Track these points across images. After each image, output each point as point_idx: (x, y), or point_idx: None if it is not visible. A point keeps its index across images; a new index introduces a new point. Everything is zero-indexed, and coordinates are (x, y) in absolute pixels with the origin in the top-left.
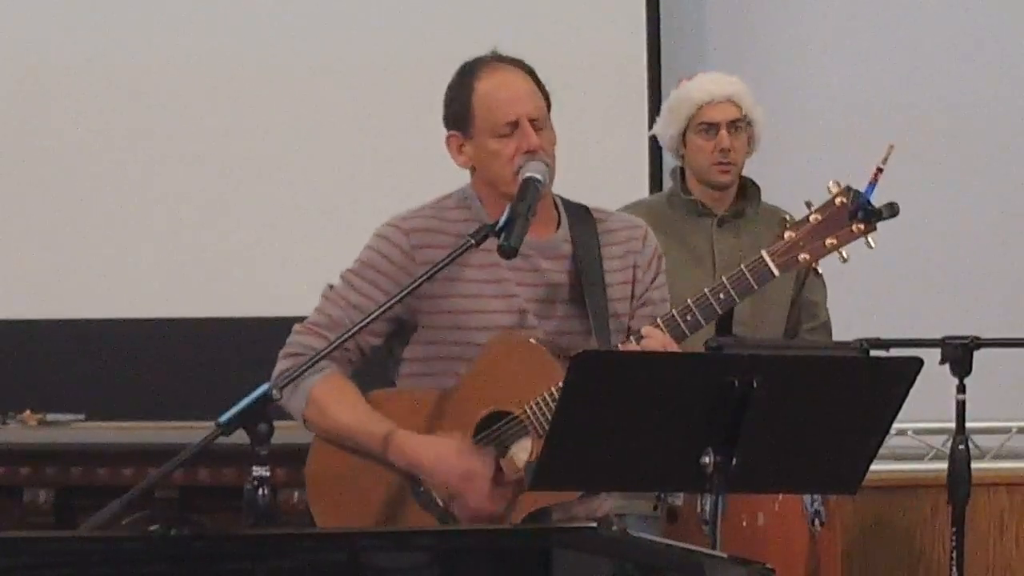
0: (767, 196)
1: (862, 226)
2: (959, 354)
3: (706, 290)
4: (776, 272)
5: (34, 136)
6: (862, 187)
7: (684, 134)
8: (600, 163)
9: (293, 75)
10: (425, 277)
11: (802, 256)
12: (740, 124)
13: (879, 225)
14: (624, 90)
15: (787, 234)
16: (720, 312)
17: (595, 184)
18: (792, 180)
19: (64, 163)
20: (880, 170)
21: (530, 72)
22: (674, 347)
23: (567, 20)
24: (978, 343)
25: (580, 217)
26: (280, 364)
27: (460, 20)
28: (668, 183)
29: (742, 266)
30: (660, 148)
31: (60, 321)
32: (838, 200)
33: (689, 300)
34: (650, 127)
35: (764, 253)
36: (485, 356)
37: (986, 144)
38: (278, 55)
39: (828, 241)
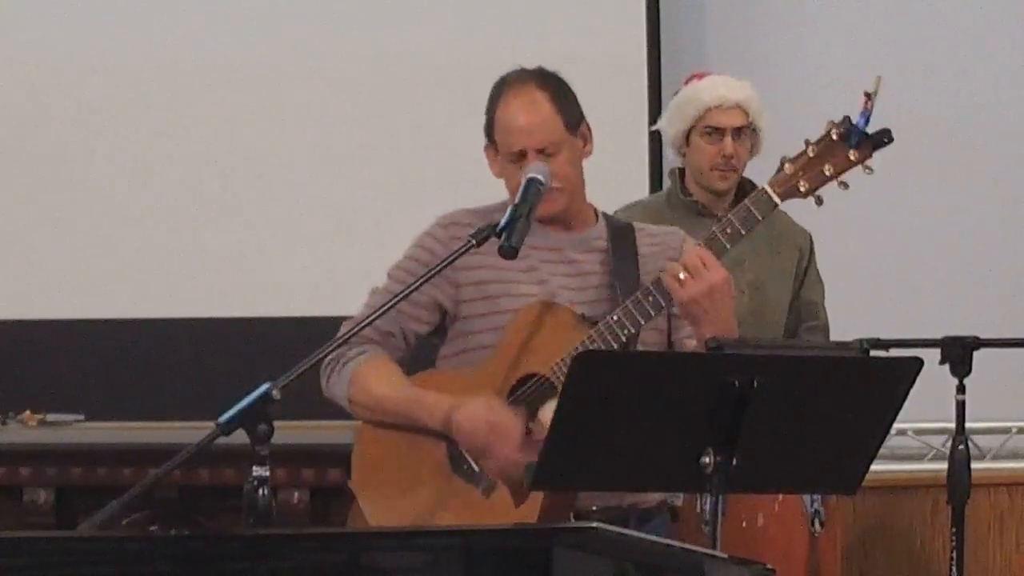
0: None
1: (858, 153)
2: (959, 354)
3: (714, 227)
4: (778, 201)
5: (34, 136)
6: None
7: (688, 134)
8: (600, 162)
9: (294, 75)
10: (435, 270)
11: (802, 184)
12: (745, 131)
13: (879, 225)
14: (624, 90)
15: (787, 166)
16: (728, 247)
17: (595, 183)
18: None
19: (64, 163)
20: (868, 95)
21: (553, 90)
22: (711, 258)
23: (567, 20)
24: (978, 343)
25: (620, 226)
26: (328, 356)
27: (461, 21)
28: (668, 183)
29: (746, 200)
30: (660, 147)
31: (60, 321)
32: (833, 132)
33: (699, 239)
34: (650, 127)
35: (765, 185)
36: (513, 324)
37: (986, 144)
38: (278, 55)
39: (827, 168)
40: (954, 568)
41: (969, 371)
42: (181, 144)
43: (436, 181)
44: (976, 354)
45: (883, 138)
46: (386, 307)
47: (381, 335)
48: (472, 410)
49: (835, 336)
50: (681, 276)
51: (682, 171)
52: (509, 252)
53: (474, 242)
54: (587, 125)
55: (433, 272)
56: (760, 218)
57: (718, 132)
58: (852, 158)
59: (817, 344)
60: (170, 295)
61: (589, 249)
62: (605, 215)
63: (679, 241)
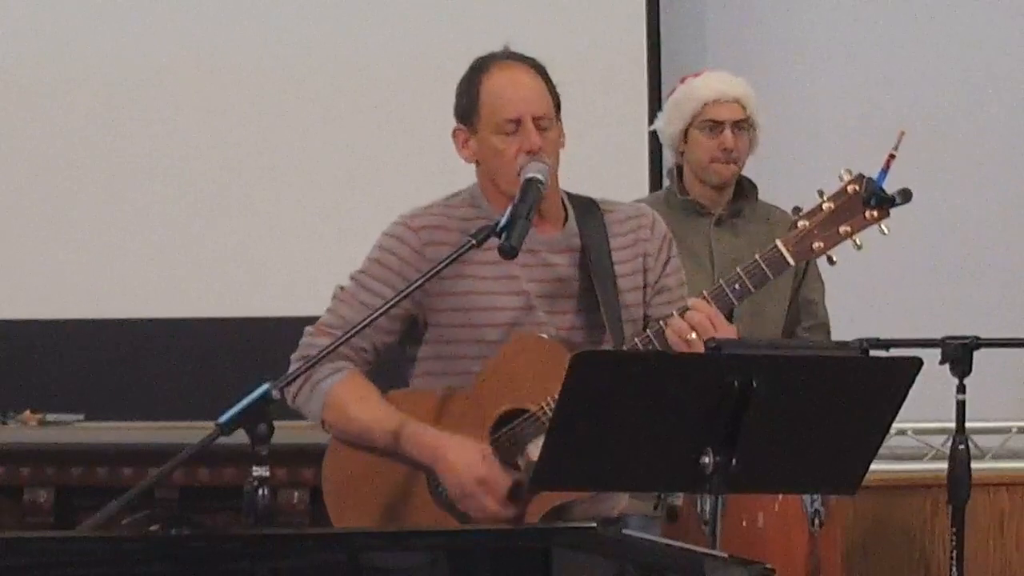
0: (767, 196)
1: (875, 212)
2: (959, 354)
3: (722, 281)
4: (792, 261)
5: (34, 136)
6: (874, 174)
7: (687, 130)
8: (600, 162)
9: (293, 75)
10: (428, 276)
11: (816, 244)
12: (744, 125)
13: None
14: (624, 89)
15: (800, 223)
16: (736, 303)
17: (595, 183)
18: (792, 180)
19: (64, 163)
20: (892, 156)
21: (541, 71)
22: (721, 318)
23: (567, 20)
24: (978, 343)
25: (587, 210)
26: (292, 366)
27: (461, 20)
28: (667, 182)
29: (757, 256)
30: (660, 146)
31: (60, 321)
32: (850, 188)
33: (705, 291)
34: (650, 127)
35: (779, 243)
36: (503, 354)
37: (986, 144)
38: (278, 55)
39: (842, 228)
40: (954, 568)
41: (969, 371)
42: (181, 144)
43: (436, 181)
44: (976, 354)
45: (904, 198)
46: (368, 320)
47: (354, 351)
48: (464, 457)
49: (835, 336)
50: (690, 338)
51: (680, 170)
52: (509, 252)
53: (474, 242)
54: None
55: (423, 280)
56: (771, 277)
57: (717, 126)
58: (869, 218)
59: (817, 344)
60: (170, 295)
61: (564, 250)
62: (573, 204)
63: (649, 224)
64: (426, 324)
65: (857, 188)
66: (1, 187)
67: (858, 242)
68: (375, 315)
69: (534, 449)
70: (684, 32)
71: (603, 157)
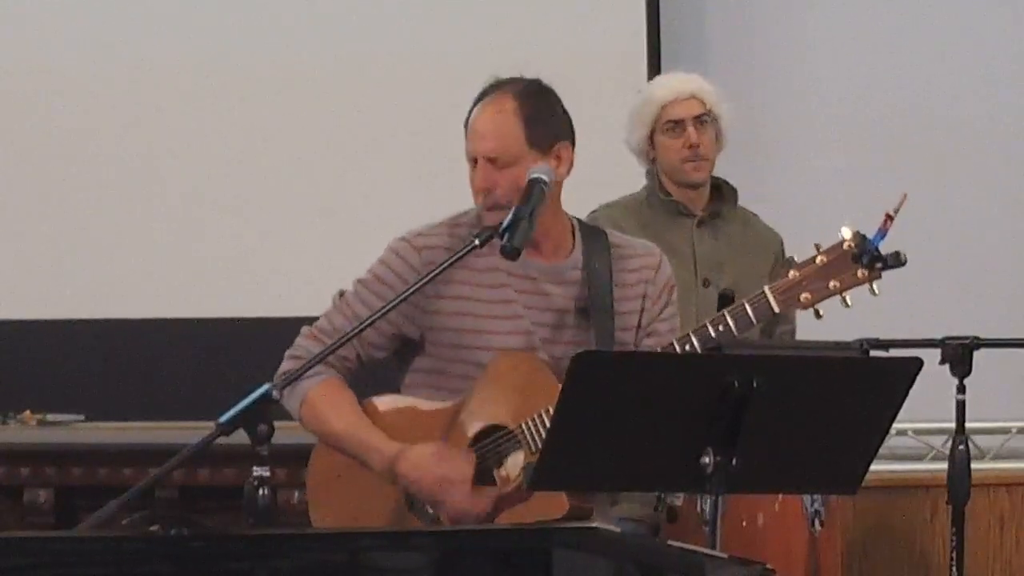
0: (766, 196)
1: (866, 272)
2: (959, 354)
3: (707, 322)
4: (777, 309)
5: (34, 136)
6: (872, 232)
7: (652, 136)
8: (600, 163)
9: (294, 76)
10: (425, 280)
11: (803, 295)
12: (706, 119)
13: (878, 225)
14: (624, 90)
15: (791, 272)
16: (718, 343)
17: (594, 184)
18: (792, 180)
19: (64, 163)
20: (890, 218)
21: (531, 104)
22: None
23: (567, 20)
24: (978, 343)
25: (596, 242)
26: (284, 364)
27: (461, 21)
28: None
29: (744, 301)
30: None
31: (60, 321)
32: (846, 244)
33: (689, 331)
34: None
35: (766, 289)
36: (488, 371)
37: (986, 144)
38: (279, 57)
39: (831, 284)
40: (954, 568)
41: (969, 371)
42: (182, 145)
43: (437, 181)
44: (976, 354)
45: (894, 261)
46: (352, 334)
47: (337, 359)
48: (417, 461)
49: (835, 336)
50: None
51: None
52: (511, 252)
53: (477, 243)
54: (566, 148)
55: (408, 293)
56: (755, 322)
57: (679, 125)
58: (860, 276)
59: (817, 344)
60: (170, 295)
61: (563, 281)
62: (583, 234)
63: (655, 265)
64: (421, 342)
65: (852, 245)
66: (1, 187)
67: (848, 301)
68: (356, 330)
69: (510, 467)
70: (684, 32)
71: (603, 157)
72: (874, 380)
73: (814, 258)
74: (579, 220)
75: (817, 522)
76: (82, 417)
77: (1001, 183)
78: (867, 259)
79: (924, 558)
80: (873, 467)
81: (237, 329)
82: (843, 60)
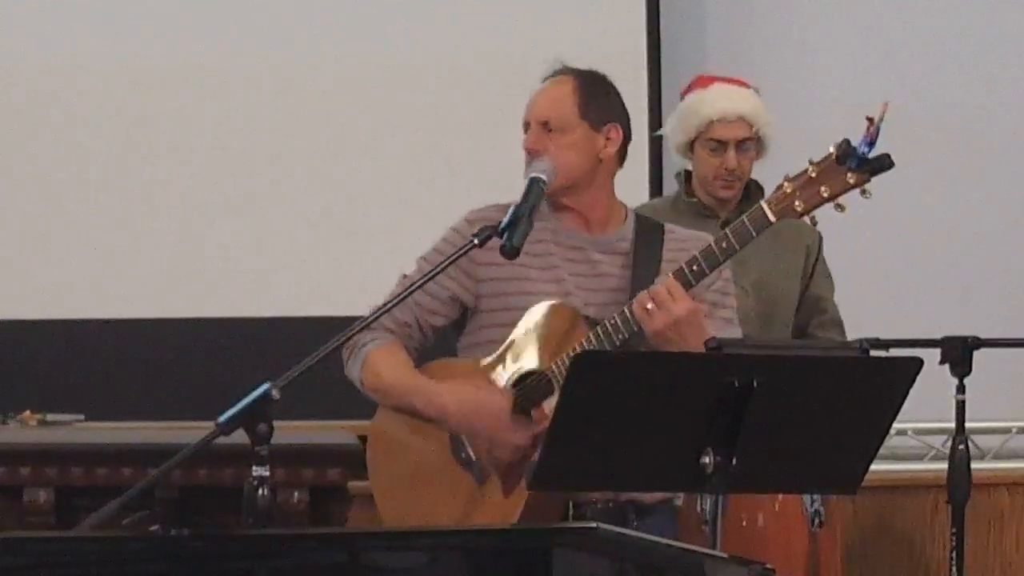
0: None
1: (855, 176)
2: (959, 354)
3: (711, 241)
4: (772, 219)
5: (34, 136)
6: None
7: (692, 144)
8: None
9: (298, 76)
10: (436, 271)
11: (797, 204)
12: (749, 143)
13: (879, 225)
14: (624, 90)
15: (786, 184)
16: (723, 261)
17: None
18: None
19: (64, 163)
20: (871, 120)
21: (585, 82)
22: (679, 290)
23: (567, 20)
24: (978, 343)
25: (650, 227)
26: (354, 338)
27: (461, 21)
28: (668, 183)
29: (743, 216)
30: (661, 149)
31: (60, 321)
32: (834, 154)
33: (696, 252)
34: (650, 128)
35: (762, 203)
36: (524, 321)
37: (986, 144)
38: (283, 56)
39: (822, 190)
40: (954, 568)
41: (969, 371)
42: (183, 144)
43: (438, 182)
44: (976, 354)
45: (883, 163)
46: (398, 299)
47: (398, 325)
48: (459, 393)
49: None
50: (648, 307)
51: (688, 173)
52: (510, 252)
53: (476, 242)
54: (619, 131)
55: (435, 272)
56: (755, 235)
57: (721, 145)
58: (850, 181)
59: (817, 344)
60: (170, 295)
61: (611, 251)
62: (638, 216)
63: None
64: (474, 311)
65: (840, 153)
66: (1, 187)
67: (842, 204)
68: (408, 291)
69: (548, 405)
70: (684, 32)
71: None
72: (874, 380)
73: (806, 170)
74: (635, 211)
75: (817, 522)
76: (82, 417)
77: (1001, 183)
78: (855, 163)
79: (924, 558)
80: (873, 467)
81: (237, 329)
82: (843, 60)
